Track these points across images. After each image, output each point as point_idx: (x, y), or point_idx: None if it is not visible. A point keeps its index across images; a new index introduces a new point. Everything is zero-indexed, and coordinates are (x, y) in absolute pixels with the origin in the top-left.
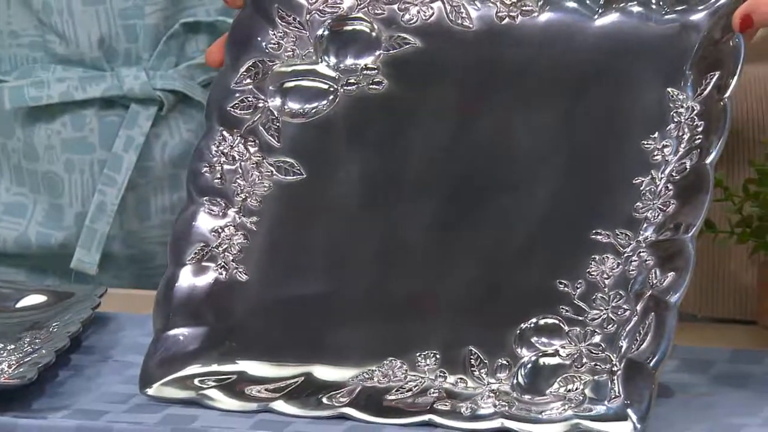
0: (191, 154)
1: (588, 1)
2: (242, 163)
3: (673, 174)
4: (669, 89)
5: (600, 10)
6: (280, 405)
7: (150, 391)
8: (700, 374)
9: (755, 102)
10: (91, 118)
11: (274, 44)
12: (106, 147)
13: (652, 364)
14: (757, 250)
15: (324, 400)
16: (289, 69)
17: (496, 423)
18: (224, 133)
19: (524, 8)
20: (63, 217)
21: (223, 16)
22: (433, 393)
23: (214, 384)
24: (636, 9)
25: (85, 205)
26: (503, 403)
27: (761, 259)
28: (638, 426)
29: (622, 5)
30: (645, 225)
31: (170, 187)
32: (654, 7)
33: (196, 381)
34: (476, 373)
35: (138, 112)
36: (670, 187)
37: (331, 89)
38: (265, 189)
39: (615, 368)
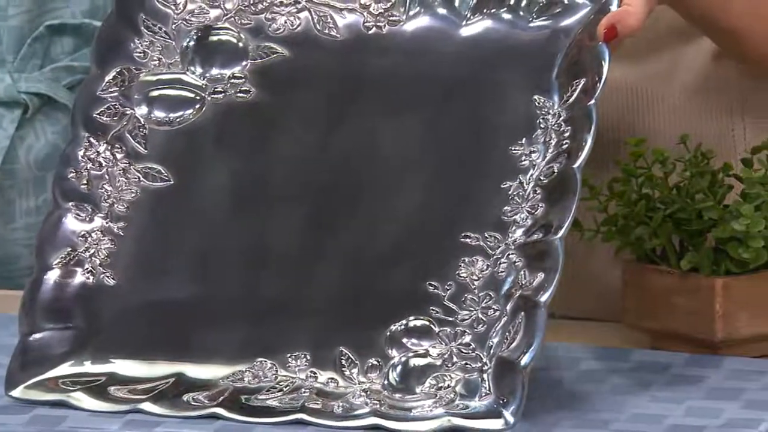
0: (57, 158)
1: (457, 7)
2: (109, 169)
3: (541, 178)
4: (536, 96)
5: (469, 16)
6: (148, 406)
7: (15, 393)
8: (568, 371)
9: (618, 104)
10: None
11: (141, 53)
12: None
13: (522, 362)
14: (622, 249)
15: (194, 400)
16: (155, 78)
17: (368, 421)
18: (91, 139)
19: (391, 18)
20: None
21: (89, 18)
22: (304, 392)
23: (80, 387)
24: (505, 16)
25: None
26: (375, 402)
27: (626, 258)
28: (509, 421)
29: (492, 11)
30: (514, 227)
31: (35, 189)
32: (522, 14)
33: (62, 383)
34: (347, 372)
35: (2, 115)
36: (538, 191)
37: (198, 98)
38: (133, 195)
39: (485, 367)
